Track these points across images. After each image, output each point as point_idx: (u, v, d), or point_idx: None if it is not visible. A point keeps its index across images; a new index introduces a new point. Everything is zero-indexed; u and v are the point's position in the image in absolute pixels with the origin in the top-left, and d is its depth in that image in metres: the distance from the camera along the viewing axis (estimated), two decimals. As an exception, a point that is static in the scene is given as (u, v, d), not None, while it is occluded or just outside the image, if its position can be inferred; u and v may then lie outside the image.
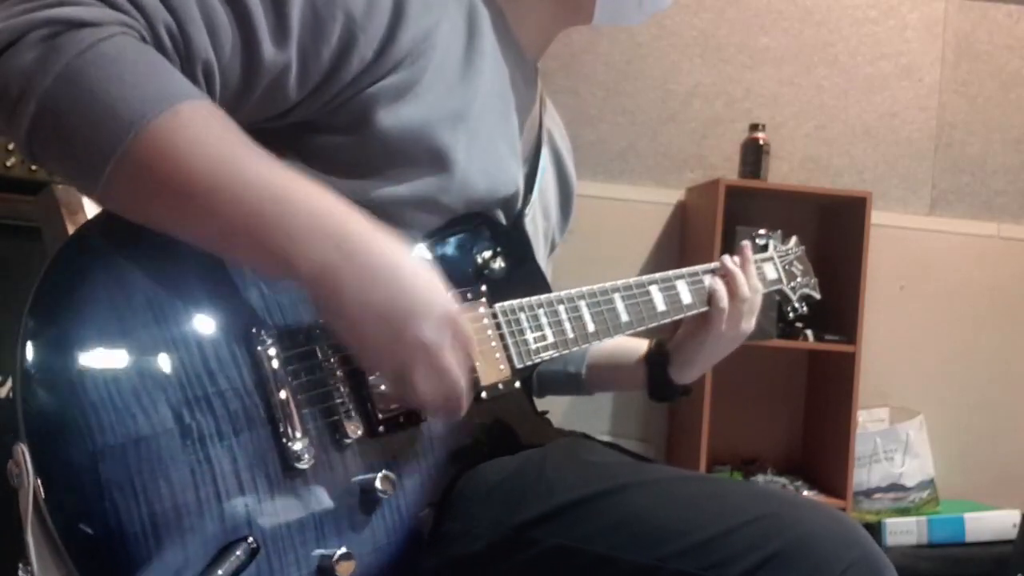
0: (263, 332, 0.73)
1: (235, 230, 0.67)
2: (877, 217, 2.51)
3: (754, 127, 2.54)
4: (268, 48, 0.73)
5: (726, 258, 1.12)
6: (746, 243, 1.17)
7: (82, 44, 0.63)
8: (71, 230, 0.92)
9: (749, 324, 1.12)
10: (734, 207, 2.35)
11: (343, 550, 0.73)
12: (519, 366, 0.91)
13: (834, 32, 2.73)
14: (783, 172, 2.69)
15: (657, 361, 1.14)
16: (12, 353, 0.64)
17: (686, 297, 1.10)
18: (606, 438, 2.66)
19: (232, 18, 0.72)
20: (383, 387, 0.78)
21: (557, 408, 2.56)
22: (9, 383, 1.59)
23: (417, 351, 0.71)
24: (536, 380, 1.18)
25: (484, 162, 0.90)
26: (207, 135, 0.66)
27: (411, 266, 0.72)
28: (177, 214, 0.67)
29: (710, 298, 1.10)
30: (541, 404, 1.02)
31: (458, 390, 0.75)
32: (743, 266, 1.12)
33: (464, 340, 0.75)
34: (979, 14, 2.76)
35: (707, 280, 1.12)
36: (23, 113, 0.63)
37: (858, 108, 2.73)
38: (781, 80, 2.71)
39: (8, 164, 1.66)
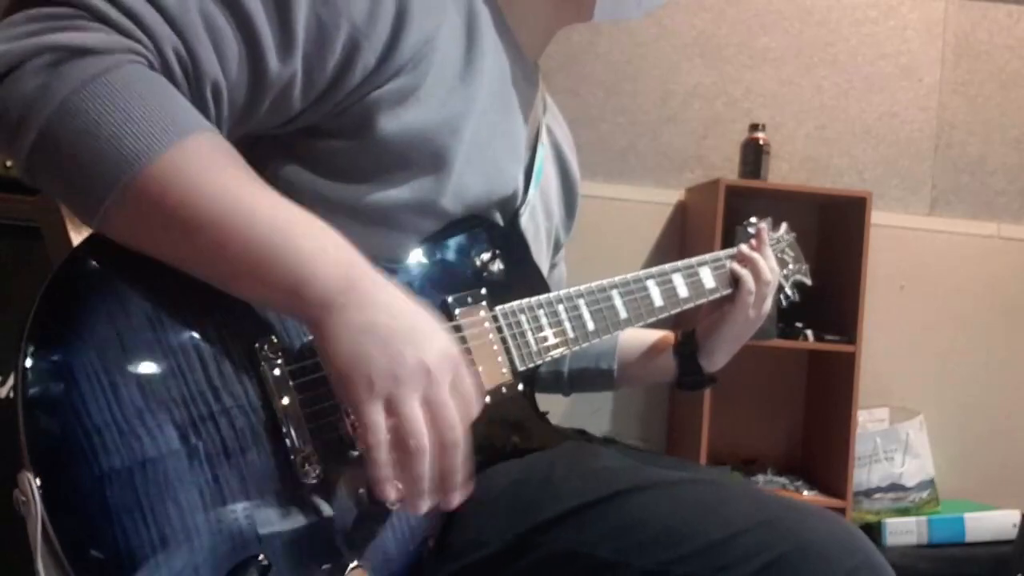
0: (266, 347, 0.72)
1: (240, 264, 0.67)
2: (877, 217, 2.51)
3: (754, 127, 2.54)
4: (274, 63, 0.73)
5: (743, 247, 1.18)
6: (763, 225, 1.21)
7: (86, 74, 0.62)
8: (70, 230, 0.91)
9: (768, 306, 1.18)
10: (734, 207, 2.35)
11: (354, 564, 0.73)
12: (521, 368, 0.91)
13: (834, 32, 2.73)
14: (783, 172, 2.69)
15: (687, 351, 1.18)
16: (13, 355, 0.63)
17: (683, 291, 1.11)
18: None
19: (238, 35, 0.71)
20: (361, 422, 0.68)
21: (557, 408, 2.56)
22: (11, 382, 1.60)
23: (416, 375, 0.67)
24: (567, 377, 1.24)
25: (483, 164, 0.90)
26: (211, 170, 0.66)
27: (413, 303, 0.71)
28: (179, 249, 0.67)
29: (737, 283, 1.15)
30: (541, 404, 1.02)
31: (452, 434, 0.68)
32: (760, 249, 1.18)
33: (466, 388, 0.70)
34: (979, 14, 2.77)
35: (703, 273, 1.14)
36: (23, 141, 0.62)
37: (858, 108, 2.73)
38: (781, 80, 2.71)
39: (8, 164, 1.66)
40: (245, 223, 0.66)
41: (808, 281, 1.38)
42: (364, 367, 0.67)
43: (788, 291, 1.34)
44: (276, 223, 0.67)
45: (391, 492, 0.68)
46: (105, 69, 0.63)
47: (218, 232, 0.65)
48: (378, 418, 0.67)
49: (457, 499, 0.70)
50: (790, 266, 1.34)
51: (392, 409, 0.67)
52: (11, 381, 1.59)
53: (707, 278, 1.16)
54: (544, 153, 1.07)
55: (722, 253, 1.19)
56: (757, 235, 1.19)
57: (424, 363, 0.67)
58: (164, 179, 0.64)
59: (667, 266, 1.11)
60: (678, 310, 1.11)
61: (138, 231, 0.66)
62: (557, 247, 1.19)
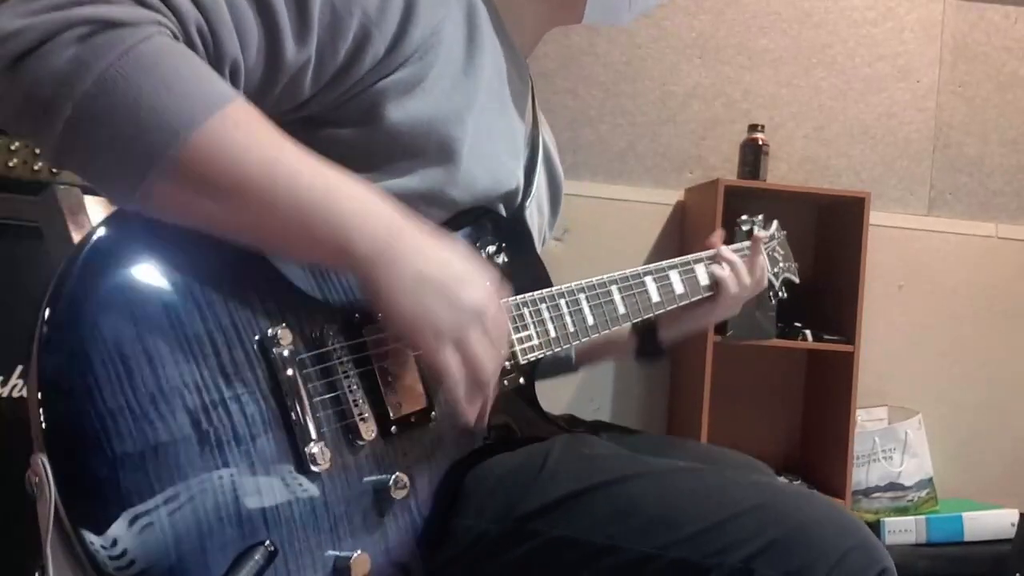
0: (277, 335, 0.73)
1: (289, 223, 0.69)
2: (875, 217, 2.52)
3: (753, 128, 2.55)
4: (291, 48, 0.74)
5: (725, 250, 1.20)
6: (760, 235, 1.24)
7: (121, 47, 0.62)
8: (72, 230, 0.92)
9: (739, 305, 1.23)
10: (733, 207, 2.35)
11: (359, 551, 0.74)
12: (523, 362, 0.92)
13: (832, 33, 2.74)
14: (782, 173, 2.70)
15: (647, 326, 1.22)
16: (13, 353, 0.63)
17: (679, 287, 1.14)
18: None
19: (258, 18, 0.72)
20: (438, 367, 0.77)
21: (557, 408, 2.57)
22: (12, 381, 1.60)
23: (474, 315, 0.75)
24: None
25: (487, 155, 0.92)
26: (254, 135, 0.67)
27: (453, 250, 0.77)
28: (226, 215, 0.68)
29: (718, 285, 1.18)
30: (541, 403, 1.03)
31: (501, 360, 0.79)
32: (755, 255, 1.22)
33: (499, 321, 0.79)
34: (976, 15, 2.77)
35: (699, 269, 1.16)
36: (56, 117, 0.62)
37: (856, 109, 2.74)
38: (780, 81, 2.72)
39: (10, 164, 1.67)
40: (290, 185, 0.67)
41: (796, 279, 1.39)
42: (429, 318, 0.74)
43: (777, 289, 1.35)
44: (319, 184, 0.69)
45: (472, 415, 0.79)
46: (137, 41, 0.63)
47: (265, 195, 0.67)
48: (453, 360, 0.75)
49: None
50: (780, 264, 1.35)
51: (462, 349, 0.75)
52: (13, 379, 1.60)
53: (702, 275, 1.18)
54: (539, 149, 1.08)
55: (715, 251, 1.21)
56: (753, 244, 1.22)
57: (478, 305, 0.75)
58: (209, 147, 0.64)
59: (664, 263, 1.13)
60: (674, 306, 1.12)
61: (183, 202, 0.67)
62: (543, 243, 1.21)
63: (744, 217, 1.32)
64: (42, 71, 0.61)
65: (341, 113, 0.82)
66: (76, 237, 1.04)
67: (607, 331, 1.02)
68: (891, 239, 2.69)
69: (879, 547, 0.76)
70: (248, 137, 0.66)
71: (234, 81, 0.72)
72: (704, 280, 1.18)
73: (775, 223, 1.37)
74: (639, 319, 1.08)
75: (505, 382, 0.91)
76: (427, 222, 0.77)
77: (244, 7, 0.72)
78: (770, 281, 1.33)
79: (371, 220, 0.71)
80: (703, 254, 1.19)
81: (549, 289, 0.97)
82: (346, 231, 0.70)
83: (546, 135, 1.17)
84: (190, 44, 0.68)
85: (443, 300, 0.73)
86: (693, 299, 1.15)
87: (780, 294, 1.36)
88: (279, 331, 0.73)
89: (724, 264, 1.19)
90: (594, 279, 1.01)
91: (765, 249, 1.30)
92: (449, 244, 0.76)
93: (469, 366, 0.76)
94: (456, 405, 0.78)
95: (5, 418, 1.45)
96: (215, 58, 0.70)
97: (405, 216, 0.74)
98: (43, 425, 0.61)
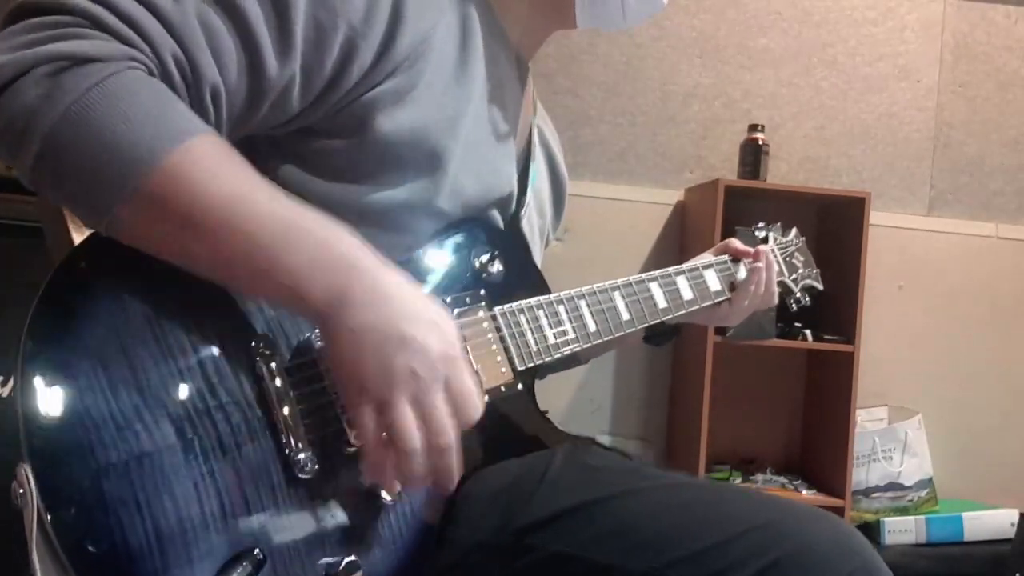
0: (263, 344, 0.73)
1: (241, 266, 0.68)
2: (876, 217, 2.52)
3: (753, 128, 2.55)
4: (272, 67, 0.73)
5: (754, 265, 1.22)
6: (763, 248, 1.24)
7: (87, 82, 0.63)
8: (72, 229, 0.92)
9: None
10: (733, 207, 2.35)
11: (349, 558, 0.73)
12: (520, 368, 0.91)
13: (833, 33, 2.73)
14: (782, 172, 2.70)
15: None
16: (14, 359, 0.63)
17: (687, 293, 1.11)
18: (606, 438, 2.67)
19: (237, 40, 0.72)
20: (360, 428, 0.70)
21: (557, 408, 2.57)
22: (11, 383, 1.60)
23: (405, 381, 0.68)
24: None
25: (478, 164, 0.91)
26: (214, 172, 0.66)
27: (416, 299, 0.71)
28: (184, 250, 0.68)
29: (734, 287, 1.20)
30: (541, 403, 1.03)
31: (442, 438, 0.69)
32: (766, 266, 1.22)
33: (461, 392, 0.70)
34: (977, 15, 2.77)
35: (708, 275, 1.15)
36: (27, 151, 0.63)
37: (857, 109, 2.74)
38: (780, 81, 2.72)
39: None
40: (244, 229, 0.66)
41: (819, 286, 1.38)
42: (356, 373, 0.69)
43: (798, 295, 1.34)
44: (275, 229, 0.67)
45: (386, 487, 0.74)
46: (105, 77, 0.63)
47: (217, 238, 0.66)
48: (368, 420, 0.69)
49: (450, 490, 0.74)
50: (800, 270, 1.34)
51: (383, 413, 0.69)
52: (12, 382, 1.59)
53: (712, 281, 1.17)
54: (537, 154, 1.07)
55: (726, 257, 1.21)
56: (756, 255, 1.22)
57: (412, 370, 0.68)
58: (167, 184, 0.64)
59: (671, 269, 1.11)
60: (683, 312, 1.11)
61: (144, 235, 0.67)
62: (546, 244, 1.20)
63: (761, 224, 1.31)
64: (14, 105, 0.63)
65: (331, 125, 0.81)
66: (76, 237, 1.04)
67: (610, 336, 1.01)
68: (891, 239, 2.69)
69: (882, 567, 0.75)
70: (206, 174, 0.65)
71: (216, 105, 0.72)
72: (715, 286, 1.16)
73: (794, 230, 1.36)
74: (644, 325, 1.06)
75: (503, 388, 0.90)
76: (388, 232, 0.74)
77: (221, 29, 0.71)
78: (789, 287, 1.32)
79: (324, 268, 0.67)
80: (712, 260, 1.18)
81: (548, 296, 0.96)
82: (297, 280, 0.67)
83: (548, 135, 1.16)
84: (166, 74, 0.68)
85: (375, 358, 0.68)
86: (703, 304, 1.14)
87: (802, 300, 1.35)
88: (263, 340, 0.73)
89: (748, 269, 1.21)
90: (595, 285, 1.00)
91: (782, 255, 1.30)
92: (409, 294, 0.70)
93: (389, 431, 0.69)
94: (366, 468, 0.72)
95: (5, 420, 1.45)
96: (194, 85, 0.70)
97: (366, 257, 0.70)
98: (26, 435, 0.62)
